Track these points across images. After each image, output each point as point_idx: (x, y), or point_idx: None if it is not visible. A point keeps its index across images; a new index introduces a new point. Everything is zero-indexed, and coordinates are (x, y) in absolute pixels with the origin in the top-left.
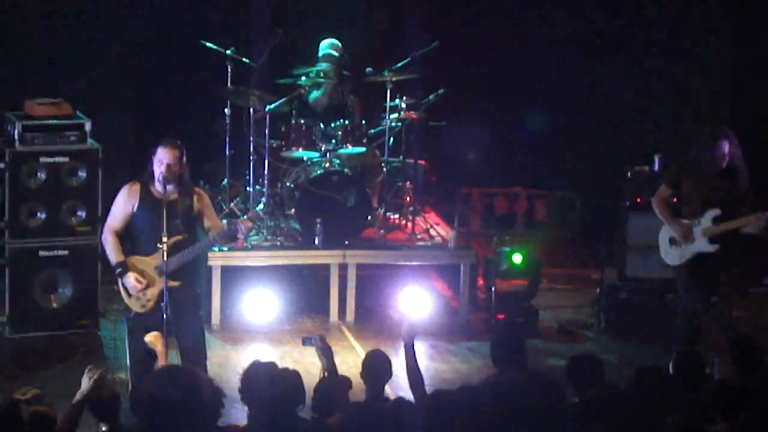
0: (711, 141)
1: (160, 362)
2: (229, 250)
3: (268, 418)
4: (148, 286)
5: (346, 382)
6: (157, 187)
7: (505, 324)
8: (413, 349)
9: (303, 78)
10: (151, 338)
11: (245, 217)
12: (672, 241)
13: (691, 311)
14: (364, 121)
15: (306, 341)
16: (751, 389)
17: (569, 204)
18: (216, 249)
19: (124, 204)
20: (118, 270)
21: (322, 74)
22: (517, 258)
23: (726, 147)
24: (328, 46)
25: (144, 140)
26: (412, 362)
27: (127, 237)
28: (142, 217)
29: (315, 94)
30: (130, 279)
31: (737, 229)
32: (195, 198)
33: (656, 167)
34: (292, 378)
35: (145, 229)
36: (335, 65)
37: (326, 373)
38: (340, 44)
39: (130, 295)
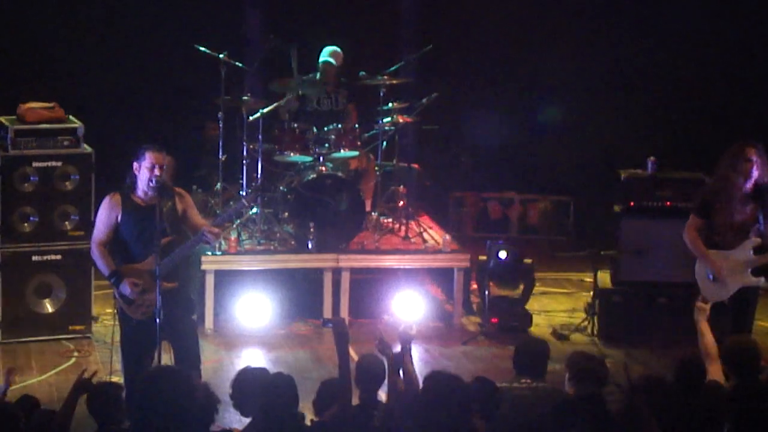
0: (737, 151)
1: None
2: (223, 254)
3: (261, 423)
4: (144, 292)
5: (348, 384)
6: (139, 193)
7: (502, 328)
8: (410, 353)
9: (294, 82)
10: None
11: (210, 224)
12: (714, 277)
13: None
14: (357, 125)
15: (326, 323)
16: (744, 393)
17: (563, 208)
18: (209, 253)
19: (107, 216)
20: (113, 279)
21: (318, 80)
22: (502, 254)
23: (753, 155)
24: (327, 53)
25: (137, 144)
26: (409, 366)
27: (116, 248)
28: (127, 226)
29: (311, 99)
30: (126, 285)
31: None
32: (177, 198)
33: (649, 170)
34: (285, 383)
35: (133, 237)
36: (333, 72)
37: (338, 360)
38: (340, 51)
39: (128, 304)
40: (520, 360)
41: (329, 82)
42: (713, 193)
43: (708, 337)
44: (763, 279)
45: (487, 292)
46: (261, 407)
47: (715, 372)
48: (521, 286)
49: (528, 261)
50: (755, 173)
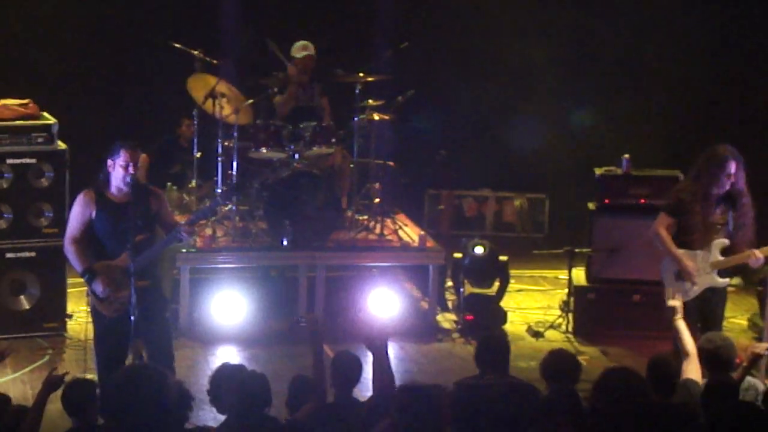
0: (718, 161)
1: None
2: (197, 251)
3: (236, 420)
4: (118, 289)
5: (323, 381)
6: (113, 190)
7: (477, 325)
8: (386, 350)
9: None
10: None
11: (184, 223)
12: (679, 276)
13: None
14: (332, 122)
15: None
16: (718, 391)
17: (538, 205)
18: (184, 250)
19: (81, 212)
20: (86, 276)
21: (289, 76)
22: (478, 249)
23: (733, 167)
24: (302, 46)
25: (112, 141)
26: (387, 364)
27: (90, 245)
28: (101, 223)
29: (280, 96)
30: (99, 283)
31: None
32: (152, 197)
33: (624, 168)
34: (259, 380)
35: (107, 235)
36: (305, 67)
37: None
38: (312, 46)
39: (101, 301)
40: (482, 357)
41: (302, 78)
42: (688, 194)
43: (686, 335)
44: (728, 280)
45: (462, 290)
46: (234, 405)
47: (693, 371)
48: (496, 284)
49: (503, 258)
50: (732, 175)
